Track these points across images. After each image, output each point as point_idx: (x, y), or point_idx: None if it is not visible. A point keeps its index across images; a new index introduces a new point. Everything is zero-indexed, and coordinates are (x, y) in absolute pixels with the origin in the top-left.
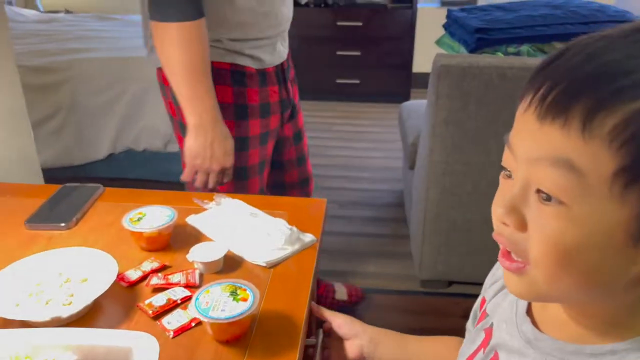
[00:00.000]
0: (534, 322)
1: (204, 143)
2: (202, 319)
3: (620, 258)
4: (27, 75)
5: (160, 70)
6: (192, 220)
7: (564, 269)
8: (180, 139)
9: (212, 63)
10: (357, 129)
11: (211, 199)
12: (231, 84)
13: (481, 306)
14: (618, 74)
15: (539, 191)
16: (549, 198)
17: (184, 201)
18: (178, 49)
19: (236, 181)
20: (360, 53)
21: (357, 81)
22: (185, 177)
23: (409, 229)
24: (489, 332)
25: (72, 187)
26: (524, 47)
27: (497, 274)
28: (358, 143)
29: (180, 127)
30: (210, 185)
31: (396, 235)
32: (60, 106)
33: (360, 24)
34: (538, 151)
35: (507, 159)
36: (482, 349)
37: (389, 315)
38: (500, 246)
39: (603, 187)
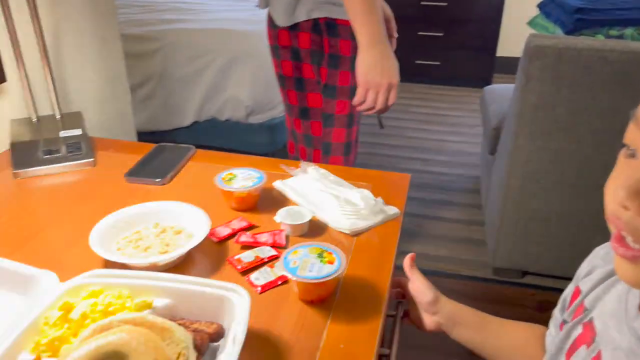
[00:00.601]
0: None
1: (375, 56)
2: (290, 277)
3: None
4: (124, 43)
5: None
6: (279, 185)
7: None
8: (292, 95)
9: (340, 21)
10: (435, 112)
11: (297, 166)
12: (352, 38)
13: (574, 296)
14: None
15: None
16: None
17: (271, 167)
18: None
19: (347, 128)
20: (442, 34)
21: (438, 63)
22: (357, 99)
23: (484, 215)
24: (587, 327)
25: (167, 146)
26: (628, 30)
27: (594, 262)
28: (435, 126)
29: (296, 83)
30: (379, 104)
31: (470, 221)
32: (152, 74)
33: (445, 4)
34: None
35: (632, 137)
36: (585, 345)
37: (458, 301)
38: (614, 230)
39: None
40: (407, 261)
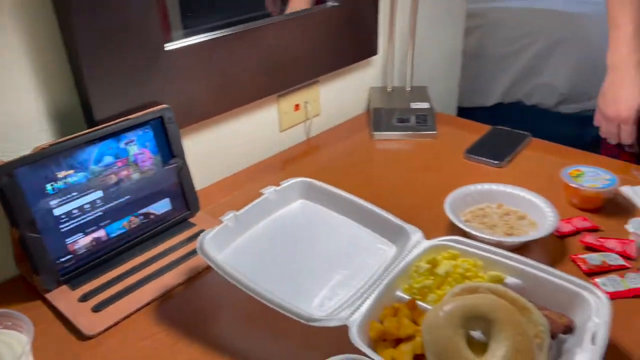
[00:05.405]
0: None
1: (608, 81)
2: None
3: None
4: None
5: None
6: (628, 191)
7: None
8: None
9: None
10: None
11: None
12: None
13: None
14: None
15: None
16: None
17: (617, 169)
18: None
19: None
20: None
21: None
22: (595, 122)
23: None
24: None
25: (502, 130)
26: None
27: None
28: None
29: None
30: (615, 139)
31: None
32: (465, 51)
33: None
34: None
35: None
36: None
37: None
38: None
39: None
40: None
